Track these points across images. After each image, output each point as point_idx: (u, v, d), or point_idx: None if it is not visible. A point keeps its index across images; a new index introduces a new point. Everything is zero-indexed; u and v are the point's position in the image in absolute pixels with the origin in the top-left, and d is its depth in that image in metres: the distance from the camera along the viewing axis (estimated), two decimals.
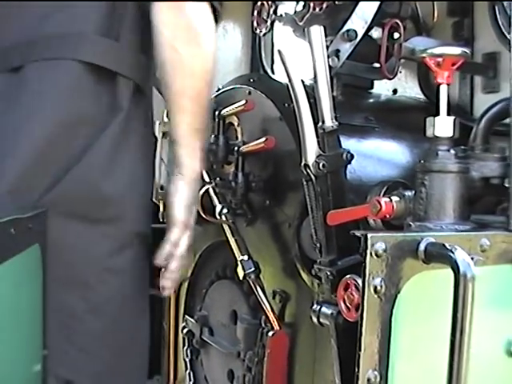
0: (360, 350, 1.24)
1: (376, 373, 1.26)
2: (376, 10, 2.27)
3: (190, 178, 1.79)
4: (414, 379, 1.30)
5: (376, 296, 1.24)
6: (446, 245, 1.25)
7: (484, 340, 1.43)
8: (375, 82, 2.63)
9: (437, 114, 1.57)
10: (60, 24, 1.59)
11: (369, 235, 1.24)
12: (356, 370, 1.25)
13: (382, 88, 2.79)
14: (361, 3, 2.25)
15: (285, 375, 2.09)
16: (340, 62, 2.22)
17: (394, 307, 1.26)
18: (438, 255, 1.25)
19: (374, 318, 1.25)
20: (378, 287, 1.24)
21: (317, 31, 1.80)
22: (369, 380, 1.25)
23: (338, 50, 2.24)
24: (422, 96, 2.77)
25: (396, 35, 2.45)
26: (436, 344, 1.27)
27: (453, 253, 1.23)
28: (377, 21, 2.38)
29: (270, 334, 2.08)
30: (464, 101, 2.57)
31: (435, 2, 2.62)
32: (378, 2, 2.25)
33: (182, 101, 1.68)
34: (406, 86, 2.85)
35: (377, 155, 2.23)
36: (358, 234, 1.30)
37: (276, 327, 2.16)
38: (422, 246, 1.28)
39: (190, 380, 2.79)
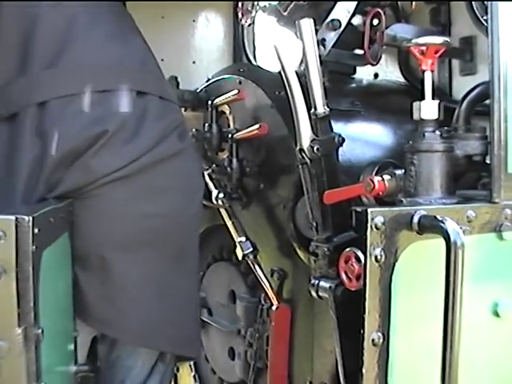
0: (364, 313, 1.38)
1: (379, 334, 1.40)
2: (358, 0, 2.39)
3: None
4: (414, 338, 1.44)
5: (377, 265, 1.38)
6: (438, 216, 1.38)
7: (473, 303, 1.57)
8: (358, 68, 2.75)
9: (422, 98, 1.69)
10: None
11: (369, 210, 1.37)
12: (361, 331, 1.38)
13: (363, 73, 2.91)
14: None
15: (288, 347, 2.22)
16: (326, 50, 2.34)
17: (392, 274, 1.39)
18: (431, 226, 1.38)
19: (376, 284, 1.38)
20: (379, 256, 1.38)
21: (307, 23, 1.91)
22: (373, 340, 1.39)
23: (323, 39, 2.36)
24: (402, 79, 2.89)
25: (375, 22, 2.57)
26: (432, 306, 1.41)
27: (443, 223, 1.36)
28: (359, 9, 2.50)
29: (274, 308, 2.20)
30: (443, 83, 2.69)
31: None
32: None
33: None
34: (386, 71, 2.96)
35: (364, 138, 2.36)
36: (358, 209, 1.43)
37: (275, 303, 2.29)
38: (415, 219, 1.42)
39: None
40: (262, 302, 2.36)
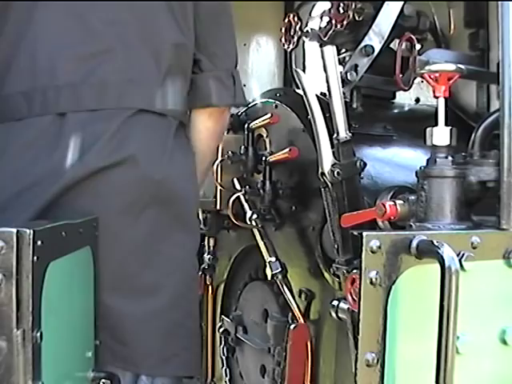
0: (358, 334, 1.41)
1: (373, 355, 1.42)
2: (392, 26, 2.42)
3: None
4: (408, 361, 1.45)
5: (372, 287, 1.41)
6: (434, 241, 1.40)
7: (480, 330, 1.57)
8: (400, 92, 2.77)
9: (436, 124, 1.72)
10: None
11: (364, 234, 1.40)
12: (356, 352, 1.41)
13: (405, 97, 2.94)
14: (377, 20, 2.40)
15: (305, 365, 2.25)
16: (358, 76, 2.38)
17: (389, 297, 1.42)
18: (427, 251, 1.40)
19: (371, 306, 1.41)
20: (373, 279, 1.41)
21: (329, 50, 1.97)
22: (367, 360, 1.41)
23: (356, 65, 2.40)
24: None
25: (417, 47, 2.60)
26: (427, 330, 1.42)
27: (439, 248, 1.38)
28: (396, 35, 2.53)
29: (292, 327, 2.24)
30: (481, 108, 2.68)
31: (452, 15, 2.74)
32: (394, 20, 2.40)
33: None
34: (427, 95, 2.97)
35: (394, 162, 2.38)
36: (355, 233, 1.47)
37: (298, 322, 2.32)
38: (414, 243, 1.44)
39: (226, 376, 2.97)
40: (290, 322, 2.40)
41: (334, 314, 1.99)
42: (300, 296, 2.41)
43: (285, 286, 2.42)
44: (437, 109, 1.73)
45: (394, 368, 1.42)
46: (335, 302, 1.99)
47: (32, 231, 1.19)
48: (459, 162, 1.72)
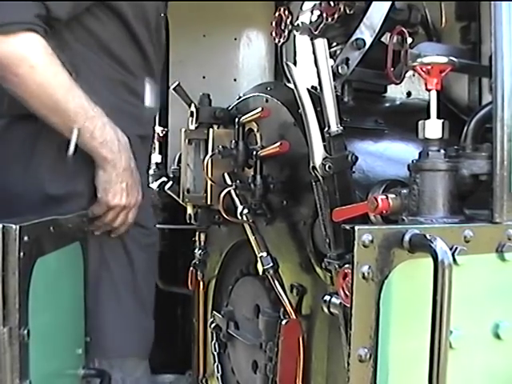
0: (351, 329, 1.39)
1: (366, 350, 1.41)
2: (384, 19, 2.40)
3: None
4: (401, 356, 1.44)
5: (364, 281, 1.39)
6: (427, 235, 1.39)
7: (472, 323, 1.56)
8: (391, 86, 2.76)
9: (428, 116, 1.70)
10: None
11: (356, 228, 1.39)
12: (348, 348, 1.40)
13: (396, 91, 2.92)
14: (368, 13, 2.39)
15: (297, 361, 2.23)
16: (349, 69, 2.37)
17: (381, 292, 1.40)
18: (420, 245, 1.39)
19: (363, 300, 1.39)
20: (366, 273, 1.39)
21: (320, 43, 1.95)
22: (360, 356, 1.40)
23: (347, 59, 2.38)
24: None
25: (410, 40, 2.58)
26: (420, 324, 1.41)
27: (432, 242, 1.37)
28: (388, 28, 2.52)
29: (284, 322, 2.23)
30: (473, 101, 2.67)
31: (443, 8, 2.73)
32: (385, 13, 2.38)
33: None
34: (419, 89, 2.96)
35: (385, 155, 2.36)
36: (347, 227, 1.45)
37: (290, 318, 2.31)
38: (406, 237, 1.42)
39: (218, 372, 2.96)
40: (282, 317, 2.38)
41: (325, 309, 1.97)
42: (292, 291, 2.39)
43: (276, 281, 2.40)
44: (429, 102, 1.72)
45: (386, 363, 1.41)
46: (327, 297, 1.97)
47: (18, 226, 1.16)
48: (451, 155, 1.71)
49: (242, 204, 2.58)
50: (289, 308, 2.34)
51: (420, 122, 1.70)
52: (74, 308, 1.59)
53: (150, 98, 2.09)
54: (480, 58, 2.63)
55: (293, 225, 2.43)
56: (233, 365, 2.87)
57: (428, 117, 1.71)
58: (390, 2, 2.38)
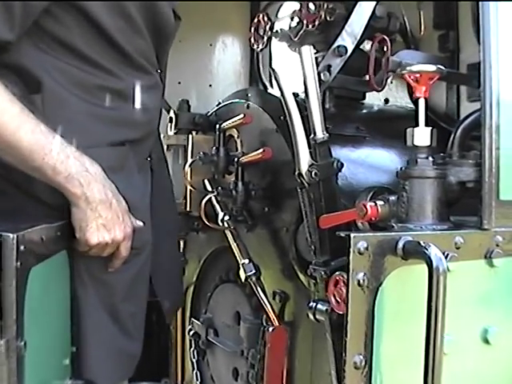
0: (346, 336, 1.39)
1: (361, 357, 1.41)
2: (364, 27, 2.42)
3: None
4: (396, 362, 1.45)
5: (360, 289, 1.39)
6: (421, 242, 1.40)
7: (462, 328, 1.58)
8: (368, 93, 2.78)
9: (416, 124, 1.72)
10: None
11: (351, 235, 1.39)
12: (343, 355, 1.40)
13: (374, 98, 2.94)
14: (350, 20, 2.40)
15: (283, 368, 2.23)
16: (331, 76, 2.36)
17: (376, 299, 1.41)
18: (414, 252, 1.40)
19: (358, 308, 1.39)
20: (361, 281, 1.40)
21: (307, 50, 1.95)
22: (355, 363, 1.40)
23: (329, 66, 2.38)
24: (411, 105, 2.91)
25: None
26: (414, 331, 1.42)
27: (427, 249, 1.38)
28: (367, 35, 2.53)
29: (270, 329, 2.22)
30: (451, 109, 2.71)
31: (422, 17, 2.76)
32: (367, 20, 2.40)
33: None
34: (396, 96, 2.99)
35: (367, 162, 2.38)
36: (342, 234, 1.45)
37: (276, 325, 2.31)
38: (400, 244, 1.43)
39: (197, 380, 2.93)
40: (264, 324, 2.38)
41: (311, 316, 1.97)
42: (274, 298, 2.39)
43: (259, 288, 2.39)
44: (416, 110, 1.73)
45: (381, 370, 1.41)
46: (312, 304, 1.97)
47: (16, 236, 1.13)
48: (438, 162, 1.73)
49: (222, 210, 2.57)
50: (271, 315, 2.34)
51: (408, 130, 1.72)
52: (61, 317, 1.56)
53: (141, 98, 1.94)
54: (458, 66, 2.67)
55: (274, 231, 2.42)
56: (212, 372, 2.85)
57: (416, 124, 1.72)
58: (371, 10, 2.39)
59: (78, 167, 1.61)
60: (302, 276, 2.23)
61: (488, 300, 1.61)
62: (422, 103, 1.71)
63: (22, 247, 1.16)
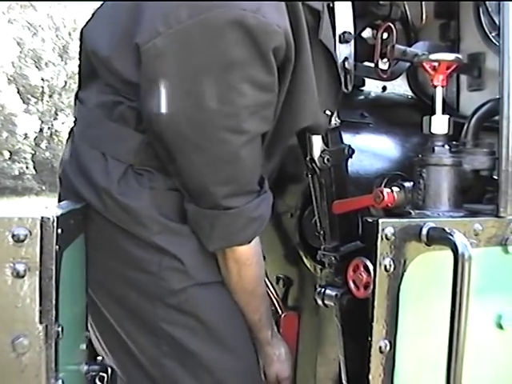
0: (372, 321, 1.41)
1: (386, 342, 1.43)
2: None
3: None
4: (420, 347, 1.48)
5: (386, 274, 1.41)
6: (446, 229, 1.42)
7: (477, 314, 1.60)
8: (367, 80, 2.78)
9: (432, 112, 1.73)
10: None
11: (380, 221, 1.41)
12: (369, 339, 1.42)
13: (372, 85, 2.95)
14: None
15: (294, 354, 2.24)
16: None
17: (401, 284, 1.43)
18: (439, 238, 1.42)
19: (384, 293, 1.42)
20: (388, 266, 1.42)
21: None
22: (380, 348, 1.42)
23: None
24: (409, 93, 2.93)
25: (385, 36, 2.60)
26: (438, 316, 1.44)
27: (452, 236, 1.40)
28: (369, 22, 2.54)
29: (282, 315, 2.23)
30: (451, 98, 2.73)
31: (423, 5, 2.77)
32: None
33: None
34: (394, 84, 2.99)
35: (372, 150, 2.39)
36: (369, 219, 1.47)
37: (280, 310, 2.32)
38: (424, 231, 1.46)
39: None
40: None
41: (319, 301, 1.99)
42: (278, 283, 2.40)
43: None
44: (433, 98, 1.75)
45: (405, 354, 1.43)
46: (320, 289, 1.99)
47: (56, 218, 1.12)
48: (453, 150, 1.75)
49: None
50: (275, 300, 2.35)
51: (425, 118, 1.74)
52: (79, 302, 1.56)
53: None
54: None
55: (278, 216, 2.42)
56: None
57: (433, 112, 1.73)
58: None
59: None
60: (307, 261, 2.24)
61: (502, 286, 1.64)
62: (439, 91, 1.73)
63: (59, 230, 1.15)
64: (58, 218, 1.13)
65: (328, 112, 1.89)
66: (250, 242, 1.69)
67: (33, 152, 29.27)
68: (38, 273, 1.12)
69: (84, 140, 1.69)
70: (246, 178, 1.63)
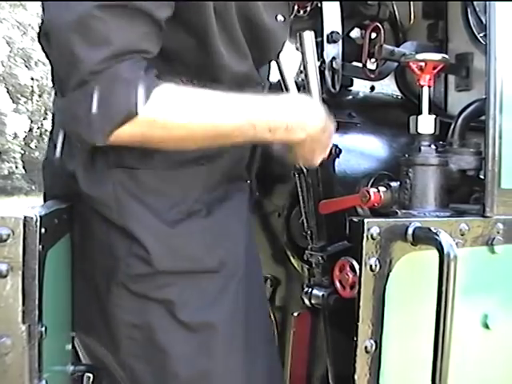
0: (358, 321, 1.41)
1: (372, 342, 1.43)
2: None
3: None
4: (406, 347, 1.48)
5: (371, 274, 1.41)
6: (432, 229, 1.42)
7: (463, 314, 1.60)
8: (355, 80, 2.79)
9: (419, 112, 1.73)
10: None
11: (365, 220, 1.40)
12: (355, 339, 1.41)
13: (359, 85, 2.96)
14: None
15: (308, 352, 2.22)
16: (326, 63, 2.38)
17: (386, 284, 1.43)
18: (425, 238, 1.42)
19: (370, 293, 1.41)
20: (373, 266, 1.41)
21: (308, 36, 1.95)
22: (366, 347, 1.42)
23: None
24: (398, 93, 2.94)
25: (373, 36, 2.61)
26: (424, 316, 1.44)
27: (438, 235, 1.40)
28: (357, 22, 2.55)
29: (295, 314, 2.22)
30: (438, 98, 2.73)
31: (412, 5, 2.77)
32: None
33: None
34: (383, 84, 2.99)
35: (359, 149, 2.39)
36: (355, 219, 1.47)
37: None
38: (410, 230, 1.45)
39: None
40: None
41: (307, 301, 1.99)
42: (265, 283, 2.39)
43: None
44: (419, 97, 1.75)
45: (391, 354, 1.43)
46: (308, 289, 1.99)
47: (39, 217, 1.11)
48: (439, 150, 1.75)
49: None
50: None
51: (412, 118, 1.74)
52: (64, 302, 1.54)
53: None
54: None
55: (266, 216, 2.42)
56: None
57: (419, 112, 1.74)
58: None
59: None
60: (294, 261, 2.24)
61: (488, 286, 1.64)
62: (426, 91, 1.73)
63: (43, 229, 1.14)
64: (41, 217, 1.13)
65: (280, 17, 1.64)
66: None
67: (22, 152, 29.13)
68: (20, 273, 1.11)
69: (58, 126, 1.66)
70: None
